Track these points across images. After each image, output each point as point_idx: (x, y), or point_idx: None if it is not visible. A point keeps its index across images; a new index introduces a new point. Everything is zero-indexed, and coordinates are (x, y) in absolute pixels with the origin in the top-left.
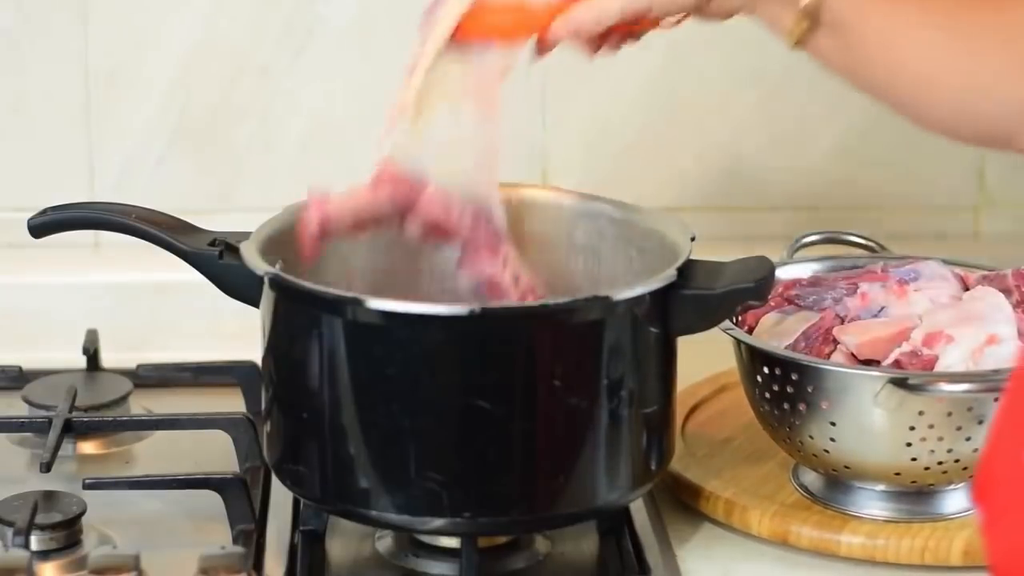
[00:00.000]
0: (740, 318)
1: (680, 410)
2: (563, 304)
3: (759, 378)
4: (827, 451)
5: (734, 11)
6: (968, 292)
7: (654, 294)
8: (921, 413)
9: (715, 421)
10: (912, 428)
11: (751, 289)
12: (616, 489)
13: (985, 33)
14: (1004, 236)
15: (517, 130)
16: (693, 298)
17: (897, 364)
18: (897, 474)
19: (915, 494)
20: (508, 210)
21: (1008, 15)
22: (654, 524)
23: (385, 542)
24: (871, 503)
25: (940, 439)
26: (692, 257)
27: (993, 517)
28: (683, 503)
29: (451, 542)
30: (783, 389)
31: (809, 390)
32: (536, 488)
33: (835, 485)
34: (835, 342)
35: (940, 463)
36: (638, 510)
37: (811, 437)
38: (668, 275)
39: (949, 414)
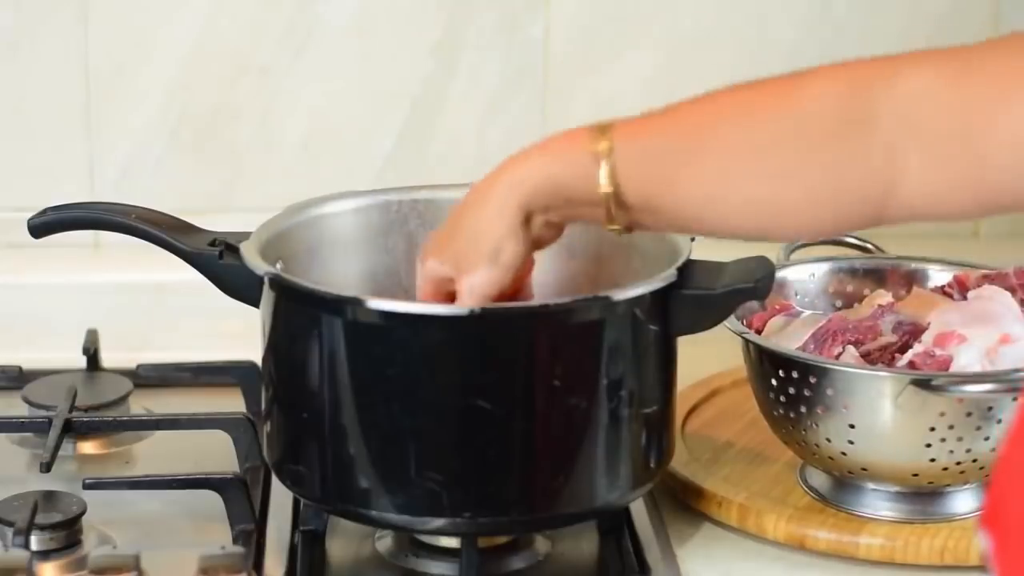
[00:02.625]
0: (746, 322)
1: (677, 413)
2: (563, 304)
3: (774, 381)
4: (845, 453)
5: (552, 239)
6: (974, 291)
7: (654, 294)
8: (942, 414)
9: (713, 424)
10: (932, 429)
11: (751, 289)
12: (616, 489)
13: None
14: (1004, 236)
15: (517, 130)
16: (693, 298)
17: (911, 365)
18: (915, 475)
19: (927, 495)
20: None
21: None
22: (654, 524)
23: (385, 542)
24: (883, 504)
25: (959, 439)
26: (692, 257)
27: (1003, 543)
28: (683, 503)
29: (451, 542)
30: (800, 392)
31: (829, 393)
32: (536, 488)
33: (845, 487)
34: (843, 343)
35: (958, 463)
36: (638, 510)
37: (828, 440)
38: (668, 275)
39: (969, 414)
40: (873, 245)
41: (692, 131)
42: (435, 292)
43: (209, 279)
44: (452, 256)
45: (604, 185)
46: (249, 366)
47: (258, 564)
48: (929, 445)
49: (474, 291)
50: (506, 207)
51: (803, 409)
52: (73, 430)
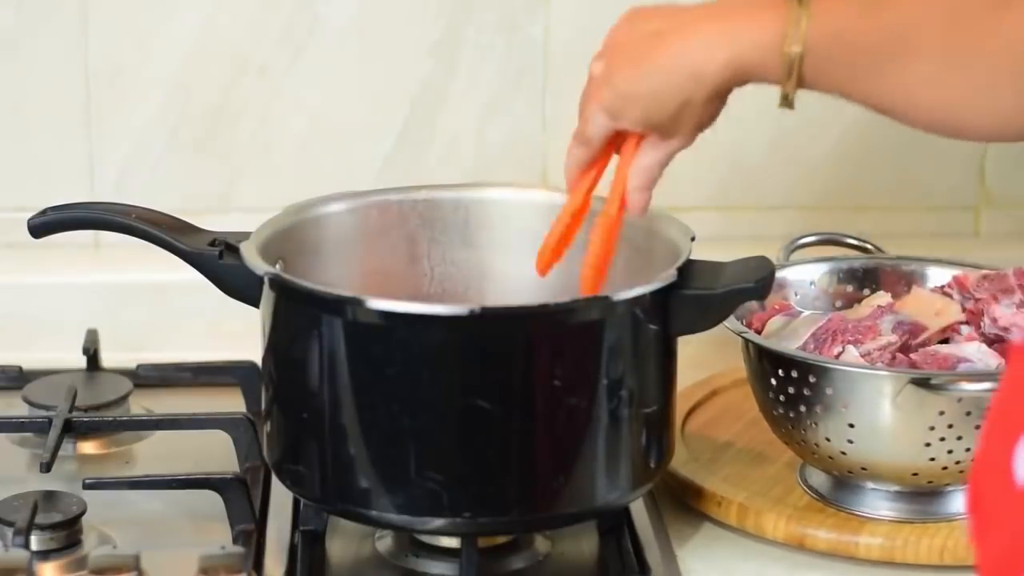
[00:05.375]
0: (745, 322)
1: (677, 413)
2: (563, 304)
3: (773, 381)
4: (844, 453)
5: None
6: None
7: (654, 294)
8: (941, 413)
9: (713, 424)
10: (932, 428)
11: (751, 289)
12: (616, 489)
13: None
14: (1004, 236)
15: (517, 130)
16: (693, 298)
17: (911, 364)
18: (915, 474)
19: (927, 494)
20: (509, 210)
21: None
22: (654, 524)
23: (385, 542)
24: (883, 504)
25: (959, 438)
26: (692, 257)
27: (982, 527)
28: (683, 503)
29: (451, 542)
30: (800, 392)
31: (828, 392)
32: (536, 488)
33: (845, 487)
34: (843, 343)
35: (958, 462)
36: (638, 510)
37: (828, 439)
38: (668, 275)
39: (968, 413)
40: (873, 245)
41: (892, 35)
42: (593, 158)
43: (209, 279)
44: (639, 114)
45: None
46: (249, 366)
47: (258, 564)
48: (928, 444)
49: (652, 166)
50: (707, 68)
51: (802, 408)
52: (73, 430)
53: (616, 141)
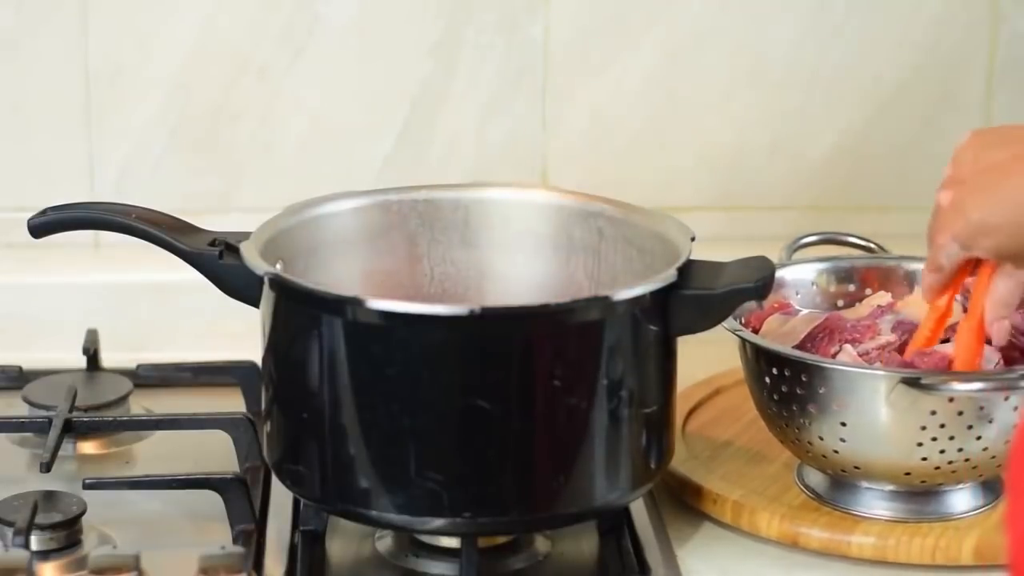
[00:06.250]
0: (744, 320)
1: (678, 412)
2: (563, 304)
3: (767, 379)
4: (837, 452)
5: None
6: None
7: (654, 294)
8: (933, 413)
9: (714, 423)
10: (923, 428)
11: (751, 289)
12: (616, 489)
13: None
14: None
15: (517, 130)
16: (693, 298)
17: (904, 363)
18: (907, 474)
19: (922, 494)
20: (509, 210)
21: None
22: (654, 524)
23: (385, 542)
24: (878, 503)
25: (951, 438)
26: (692, 257)
27: (1014, 511)
28: (683, 503)
29: (451, 542)
30: (793, 390)
31: (820, 391)
32: (536, 488)
33: (841, 486)
34: (840, 342)
35: (950, 462)
36: (638, 510)
37: (821, 438)
38: (668, 275)
39: (960, 413)
40: (876, 245)
41: None
42: (947, 282)
43: (209, 279)
44: (992, 244)
45: None
46: (249, 366)
47: (258, 564)
48: (920, 444)
49: (1008, 296)
50: None
51: (796, 407)
52: (73, 430)
53: (970, 264)
